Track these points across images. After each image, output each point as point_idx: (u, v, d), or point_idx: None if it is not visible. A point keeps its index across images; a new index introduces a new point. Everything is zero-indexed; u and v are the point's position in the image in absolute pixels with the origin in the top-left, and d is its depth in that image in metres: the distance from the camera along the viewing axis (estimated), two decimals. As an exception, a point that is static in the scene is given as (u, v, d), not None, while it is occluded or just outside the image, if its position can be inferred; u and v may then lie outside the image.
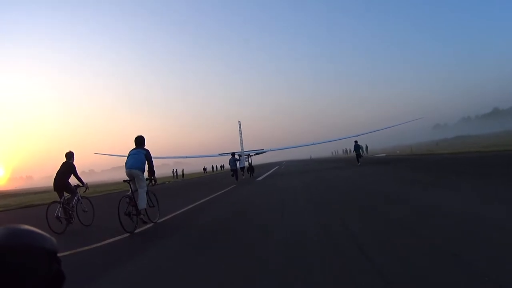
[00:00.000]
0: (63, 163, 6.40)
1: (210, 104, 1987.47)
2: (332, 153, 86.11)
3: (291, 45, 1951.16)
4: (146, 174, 5.73)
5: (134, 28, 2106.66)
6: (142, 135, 5.86)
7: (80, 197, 6.45)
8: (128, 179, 5.54)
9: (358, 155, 19.80)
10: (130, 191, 5.44)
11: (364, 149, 42.57)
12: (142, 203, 5.38)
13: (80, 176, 6.56)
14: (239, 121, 26.23)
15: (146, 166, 5.68)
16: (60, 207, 5.96)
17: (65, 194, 6.27)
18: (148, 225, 5.47)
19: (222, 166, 59.75)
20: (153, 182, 5.82)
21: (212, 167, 61.17)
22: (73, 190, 6.36)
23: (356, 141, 20.49)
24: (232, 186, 13.56)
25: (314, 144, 32.22)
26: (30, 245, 0.52)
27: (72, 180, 6.44)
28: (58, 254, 0.56)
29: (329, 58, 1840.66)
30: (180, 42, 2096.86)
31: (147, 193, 5.62)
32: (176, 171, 47.24)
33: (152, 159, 5.81)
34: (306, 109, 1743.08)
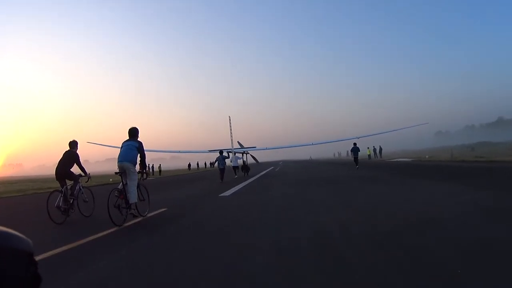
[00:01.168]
0: (66, 152, 6.25)
1: (211, 103, 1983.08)
2: (334, 154, 78.47)
3: (296, 44, 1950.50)
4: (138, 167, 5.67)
5: (131, 18, 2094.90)
6: (136, 126, 5.73)
7: (81, 187, 6.36)
8: (119, 171, 5.42)
9: (356, 159, 19.24)
10: (121, 184, 5.38)
11: (378, 151, 36.00)
12: (133, 196, 5.29)
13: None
14: (229, 117, 22.84)
15: (138, 159, 5.58)
16: (61, 196, 5.83)
17: (67, 182, 6.15)
18: (138, 219, 5.28)
19: (212, 163, 52.78)
20: (145, 176, 5.78)
21: (197, 164, 53.98)
22: (75, 177, 6.23)
23: (355, 143, 19.52)
24: (162, 209, 6.38)
25: (312, 144, 29.83)
26: (6, 247, 0.50)
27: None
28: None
29: (332, 60, 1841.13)
30: (178, 36, 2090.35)
31: (138, 186, 5.54)
32: (152, 167, 40.33)
33: (145, 152, 5.66)
34: (307, 110, 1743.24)
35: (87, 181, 6.62)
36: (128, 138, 5.65)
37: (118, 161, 5.43)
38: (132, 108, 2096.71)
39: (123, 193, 5.24)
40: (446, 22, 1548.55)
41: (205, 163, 54.18)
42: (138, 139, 5.65)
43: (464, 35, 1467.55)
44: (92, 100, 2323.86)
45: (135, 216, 5.32)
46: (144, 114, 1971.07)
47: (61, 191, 5.87)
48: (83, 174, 6.38)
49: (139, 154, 5.50)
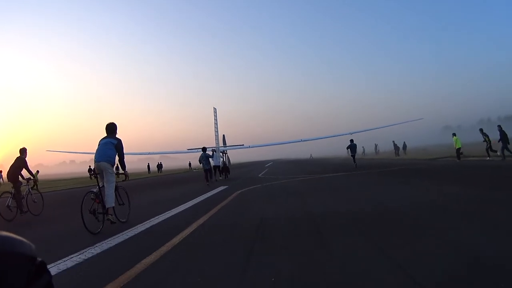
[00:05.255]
0: (17, 158, 7.26)
1: (195, 100, 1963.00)
2: (348, 152, 65.54)
3: (291, 32, 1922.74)
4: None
5: (105, 12, 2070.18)
6: (114, 122, 5.50)
7: (30, 189, 7.56)
8: (97, 172, 5.19)
9: (354, 157, 18.15)
10: (97, 187, 5.10)
11: (486, 139, 15.07)
12: (110, 200, 4.95)
13: (31, 169, 7.49)
14: (214, 108, 19.85)
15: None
16: (11, 197, 6.92)
17: (16, 185, 7.12)
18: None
19: (159, 166, 40.53)
20: (125, 177, 5.53)
21: (158, 166, 42.28)
22: (21, 182, 7.30)
23: (351, 140, 18.59)
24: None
25: (302, 141, 29.11)
26: (8, 251, 0.51)
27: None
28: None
29: (333, 50, 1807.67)
30: (157, 30, 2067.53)
31: (116, 189, 5.31)
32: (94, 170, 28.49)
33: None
34: (303, 105, 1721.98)
35: (33, 185, 7.71)
36: (105, 135, 5.35)
37: (95, 161, 5.20)
38: (115, 107, 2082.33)
39: (99, 196, 4.94)
40: (462, 11, 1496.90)
41: (149, 165, 42.16)
42: (116, 136, 5.37)
43: (477, 24, 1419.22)
44: (73, 103, 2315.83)
45: (112, 223, 4.91)
46: (126, 115, 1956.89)
47: (11, 193, 6.97)
48: (31, 178, 7.51)
49: (117, 153, 5.23)
